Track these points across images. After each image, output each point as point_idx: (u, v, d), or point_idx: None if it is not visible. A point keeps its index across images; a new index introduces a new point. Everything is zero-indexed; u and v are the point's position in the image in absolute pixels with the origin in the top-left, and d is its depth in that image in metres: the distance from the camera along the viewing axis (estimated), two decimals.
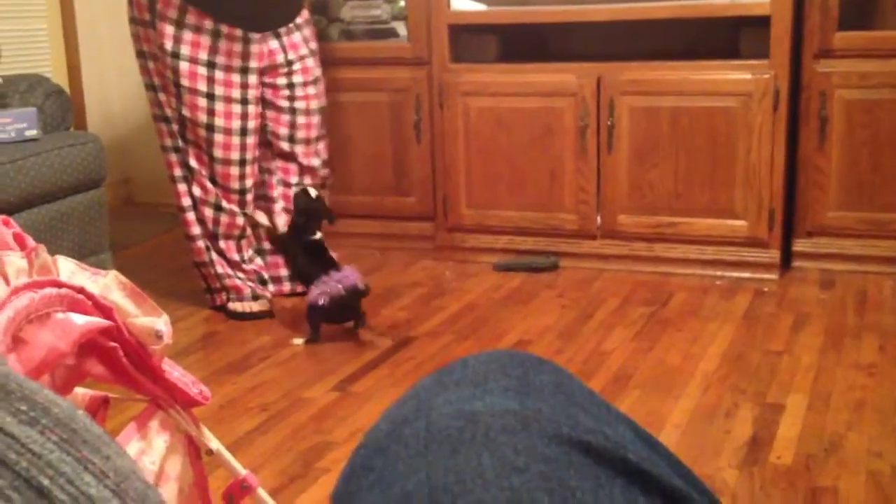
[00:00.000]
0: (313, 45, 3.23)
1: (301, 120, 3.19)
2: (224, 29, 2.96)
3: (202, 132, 3.01)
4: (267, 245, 3.33)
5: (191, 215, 3.12)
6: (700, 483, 0.62)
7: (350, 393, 2.53)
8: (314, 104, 3.21)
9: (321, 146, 3.29)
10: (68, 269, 1.08)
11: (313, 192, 3.03)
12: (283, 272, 3.32)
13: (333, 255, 3.03)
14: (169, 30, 2.93)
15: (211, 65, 2.96)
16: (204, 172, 3.06)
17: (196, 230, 3.13)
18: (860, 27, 3.28)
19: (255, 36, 3.02)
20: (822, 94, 3.29)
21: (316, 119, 3.23)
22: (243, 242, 3.19)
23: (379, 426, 0.62)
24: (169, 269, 3.71)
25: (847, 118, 3.28)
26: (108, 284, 1.10)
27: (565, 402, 0.60)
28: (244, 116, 3.03)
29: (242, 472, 1.32)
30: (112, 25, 4.71)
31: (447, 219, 3.70)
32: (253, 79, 3.04)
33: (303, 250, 2.99)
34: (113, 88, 4.79)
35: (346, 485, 0.60)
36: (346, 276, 2.85)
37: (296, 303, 3.23)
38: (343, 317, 2.91)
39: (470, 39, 3.62)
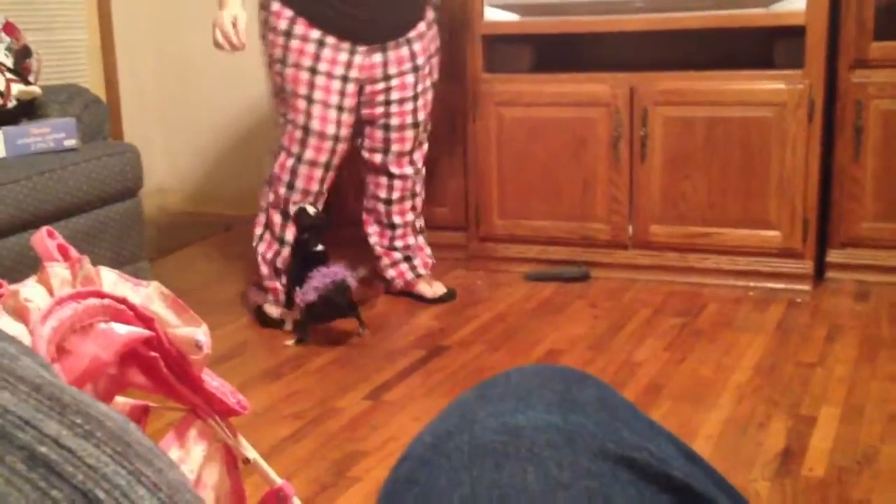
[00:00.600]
0: (420, 59, 3.14)
1: (394, 135, 3.20)
2: (331, 40, 2.98)
3: (298, 133, 3.05)
4: None
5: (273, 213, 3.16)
6: (741, 497, 0.62)
7: (383, 402, 2.54)
8: (409, 119, 3.19)
9: (417, 155, 3.29)
10: (111, 279, 1.10)
11: (311, 210, 3.05)
12: None
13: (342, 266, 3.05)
14: (280, 40, 2.98)
15: (313, 70, 2.99)
16: (284, 178, 3.09)
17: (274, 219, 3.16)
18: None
19: (362, 48, 3.04)
20: (858, 104, 3.27)
21: (410, 133, 3.21)
22: None
23: (422, 438, 0.62)
24: (205, 278, 3.75)
25: (883, 128, 3.26)
26: (149, 295, 1.11)
27: (609, 418, 0.60)
28: (339, 123, 3.05)
29: (279, 481, 1.33)
30: (150, 36, 4.76)
31: (479, 228, 3.71)
32: (351, 87, 3.05)
33: (301, 261, 3.01)
34: (150, 98, 4.84)
35: (390, 498, 0.60)
36: (335, 272, 2.88)
37: None
38: (332, 313, 2.93)
39: (504, 50, 3.63)
